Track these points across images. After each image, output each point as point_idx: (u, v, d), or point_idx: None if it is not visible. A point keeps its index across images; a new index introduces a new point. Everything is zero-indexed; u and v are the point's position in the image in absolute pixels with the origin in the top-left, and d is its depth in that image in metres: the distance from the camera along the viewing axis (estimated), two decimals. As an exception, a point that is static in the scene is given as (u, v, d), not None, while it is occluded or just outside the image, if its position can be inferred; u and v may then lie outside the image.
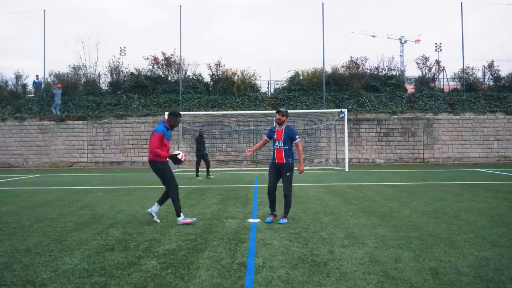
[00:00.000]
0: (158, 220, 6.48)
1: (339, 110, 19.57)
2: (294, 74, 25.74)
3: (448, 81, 27.07)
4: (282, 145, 6.34)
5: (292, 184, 6.48)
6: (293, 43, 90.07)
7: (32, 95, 26.24)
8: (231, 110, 23.07)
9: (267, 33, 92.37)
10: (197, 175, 14.87)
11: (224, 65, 25.58)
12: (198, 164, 14.95)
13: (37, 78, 25.92)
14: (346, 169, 18.22)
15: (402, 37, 72.48)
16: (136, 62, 53.97)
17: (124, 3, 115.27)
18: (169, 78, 26.02)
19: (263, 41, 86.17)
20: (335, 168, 20.18)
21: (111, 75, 25.99)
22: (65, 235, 5.66)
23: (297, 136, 6.50)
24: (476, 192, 9.83)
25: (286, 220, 6.35)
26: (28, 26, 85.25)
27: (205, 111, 23.05)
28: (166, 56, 25.61)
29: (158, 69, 26.03)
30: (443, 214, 7.01)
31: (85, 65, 26.69)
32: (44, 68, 25.25)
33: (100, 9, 73.82)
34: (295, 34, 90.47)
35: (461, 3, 24.74)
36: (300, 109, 23.31)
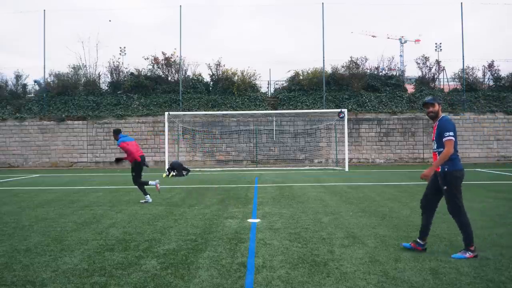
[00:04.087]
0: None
1: (339, 110, 19.57)
2: (294, 74, 25.74)
3: (448, 81, 27.08)
4: (435, 147, 4.69)
5: (455, 202, 4.63)
6: (293, 43, 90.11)
7: (32, 95, 26.28)
8: (231, 110, 23.07)
9: (267, 33, 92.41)
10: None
11: (224, 65, 25.63)
12: None
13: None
14: (346, 169, 18.22)
15: (402, 37, 72.36)
16: (136, 62, 53.91)
17: (125, 3, 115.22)
18: (169, 78, 26.02)
19: (263, 41, 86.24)
20: (335, 168, 20.17)
21: (111, 75, 26.01)
22: (65, 235, 5.66)
23: (448, 133, 4.47)
24: (476, 192, 9.82)
25: (465, 255, 4.41)
26: (29, 25, 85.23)
27: (205, 111, 23.06)
28: (166, 56, 25.62)
29: (158, 69, 26.04)
30: (443, 214, 6.97)
31: (85, 65, 26.73)
32: (44, 67, 25.32)
33: (101, 9, 73.65)
34: (295, 34, 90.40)
35: (461, 3, 24.77)
36: (300, 109, 23.31)
